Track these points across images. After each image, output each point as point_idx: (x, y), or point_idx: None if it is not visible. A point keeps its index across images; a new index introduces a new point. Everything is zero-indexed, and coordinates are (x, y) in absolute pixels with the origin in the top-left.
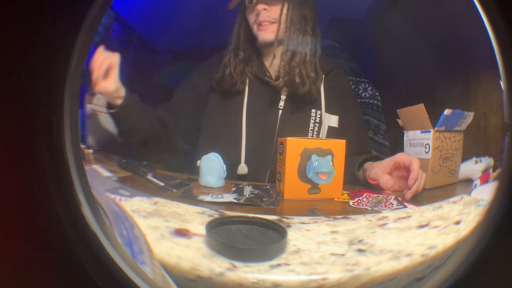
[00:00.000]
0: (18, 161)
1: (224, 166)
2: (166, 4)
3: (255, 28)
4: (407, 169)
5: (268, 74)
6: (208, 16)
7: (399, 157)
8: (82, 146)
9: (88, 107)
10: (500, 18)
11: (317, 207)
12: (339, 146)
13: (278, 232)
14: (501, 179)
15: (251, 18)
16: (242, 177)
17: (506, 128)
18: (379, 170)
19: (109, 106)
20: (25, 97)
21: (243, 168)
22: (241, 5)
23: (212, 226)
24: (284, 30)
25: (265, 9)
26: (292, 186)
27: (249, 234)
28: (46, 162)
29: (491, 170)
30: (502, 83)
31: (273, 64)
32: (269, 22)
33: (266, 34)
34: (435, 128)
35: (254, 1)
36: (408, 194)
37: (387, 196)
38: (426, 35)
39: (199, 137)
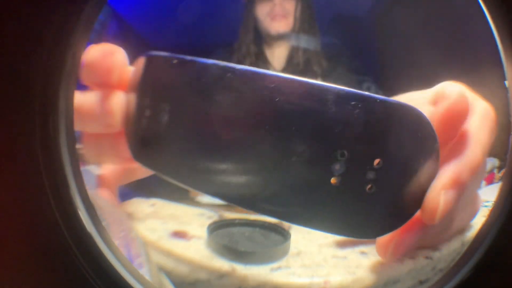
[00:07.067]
0: (12, 162)
1: None
2: (166, 1)
3: (267, 20)
4: None
5: (272, 67)
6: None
7: None
8: (78, 146)
9: None
10: (505, 15)
11: None
12: None
13: (280, 235)
14: (506, 179)
15: (264, 11)
16: None
17: (511, 128)
18: None
19: None
20: (19, 97)
21: None
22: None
23: (214, 229)
24: (294, 24)
25: (280, 4)
26: None
27: (251, 236)
28: (41, 163)
29: (496, 171)
30: (507, 82)
31: (276, 57)
32: (282, 15)
33: (281, 25)
34: None
35: None
36: None
37: None
38: (430, 32)
39: None
